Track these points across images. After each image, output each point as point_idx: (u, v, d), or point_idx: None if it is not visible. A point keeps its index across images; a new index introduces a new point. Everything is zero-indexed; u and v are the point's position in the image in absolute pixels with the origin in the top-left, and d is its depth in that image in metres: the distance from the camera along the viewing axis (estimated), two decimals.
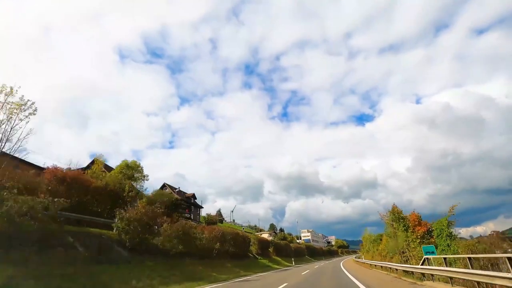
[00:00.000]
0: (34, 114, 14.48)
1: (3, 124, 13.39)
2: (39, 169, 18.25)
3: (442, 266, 10.81)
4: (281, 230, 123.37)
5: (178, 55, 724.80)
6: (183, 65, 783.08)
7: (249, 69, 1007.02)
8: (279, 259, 38.54)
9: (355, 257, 63.51)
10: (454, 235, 16.67)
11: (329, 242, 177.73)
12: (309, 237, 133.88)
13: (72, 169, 18.78)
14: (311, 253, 67.97)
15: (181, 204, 33.12)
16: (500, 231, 29.92)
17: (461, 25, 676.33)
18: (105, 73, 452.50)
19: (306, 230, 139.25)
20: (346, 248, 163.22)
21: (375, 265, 24.74)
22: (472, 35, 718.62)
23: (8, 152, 14.18)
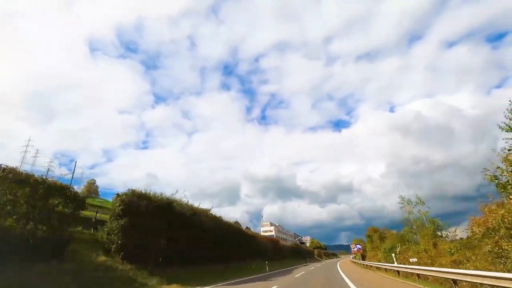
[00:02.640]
0: None
1: None
2: None
3: None
4: (247, 228, 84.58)
5: (154, 50, 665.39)
6: (159, 61, 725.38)
7: (228, 69, 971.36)
8: None
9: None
10: None
11: (302, 243, 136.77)
12: (273, 233, 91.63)
13: None
14: (241, 253, 24.27)
15: None
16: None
17: (433, 37, 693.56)
18: (74, 65, 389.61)
19: (268, 223, 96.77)
20: (324, 250, 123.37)
21: None
22: (443, 47, 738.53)
23: None
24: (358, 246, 68.91)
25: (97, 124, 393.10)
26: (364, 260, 53.31)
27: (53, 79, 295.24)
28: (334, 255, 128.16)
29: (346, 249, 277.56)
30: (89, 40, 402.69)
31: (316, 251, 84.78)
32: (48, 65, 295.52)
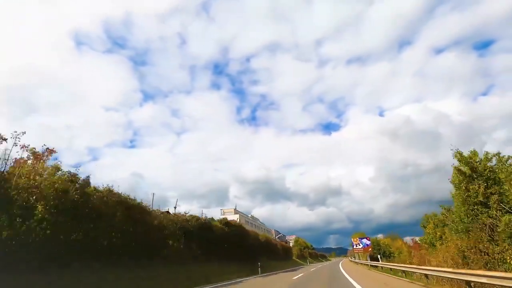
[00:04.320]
0: None
1: None
2: None
3: None
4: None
5: (143, 47, 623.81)
6: (148, 58, 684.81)
7: (218, 68, 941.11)
8: None
9: None
10: None
11: (285, 242, 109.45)
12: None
13: None
14: None
15: None
16: None
17: (422, 43, 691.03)
18: (58, 59, 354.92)
19: (232, 210, 69.06)
20: (311, 249, 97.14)
21: None
22: (431, 54, 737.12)
23: None
24: (365, 241, 42.25)
25: (82, 121, 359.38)
26: (377, 262, 26.94)
27: (34, 73, 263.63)
28: (324, 257, 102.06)
29: (337, 252, 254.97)
30: (74, 34, 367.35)
31: (296, 249, 57.06)
32: (29, 58, 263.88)
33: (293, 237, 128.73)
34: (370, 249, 39.91)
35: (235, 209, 66.09)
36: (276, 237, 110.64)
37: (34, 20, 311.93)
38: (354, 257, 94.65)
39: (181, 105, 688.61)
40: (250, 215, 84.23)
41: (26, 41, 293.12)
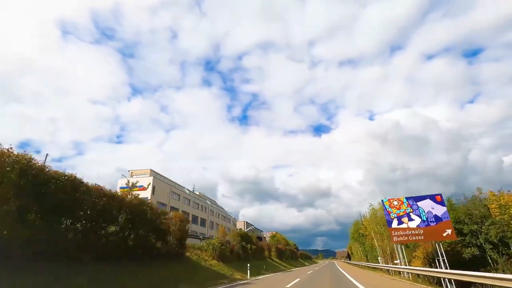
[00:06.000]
0: None
1: None
2: None
3: None
4: None
5: (132, 39, 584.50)
6: (137, 51, 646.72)
7: (209, 65, 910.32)
8: None
9: None
10: None
11: (259, 238, 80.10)
12: (147, 195, 35.18)
13: None
14: None
15: None
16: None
17: (413, 48, 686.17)
18: (43, 48, 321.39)
19: (148, 171, 40.17)
20: (288, 246, 70.26)
21: None
22: (422, 59, 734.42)
23: None
24: (431, 207, 14.25)
25: (67, 113, 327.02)
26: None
27: (16, 60, 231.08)
28: (308, 258, 75.33)
29: (324, 254, 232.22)
30: (60, 22, 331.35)
31: (235, 237, 26.63)
32: (10, 44, 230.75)
33: (273, 233, 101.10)
34: (450, 229, 12.55)
35: (151, 170, 37.27)
36: (248, 229, 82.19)
37: (16, 5, 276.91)
38: (349, 258, 66.30)
39: (170, 101, 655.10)
40: (198, 192, 55.89)
41: (7, 26, 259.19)
